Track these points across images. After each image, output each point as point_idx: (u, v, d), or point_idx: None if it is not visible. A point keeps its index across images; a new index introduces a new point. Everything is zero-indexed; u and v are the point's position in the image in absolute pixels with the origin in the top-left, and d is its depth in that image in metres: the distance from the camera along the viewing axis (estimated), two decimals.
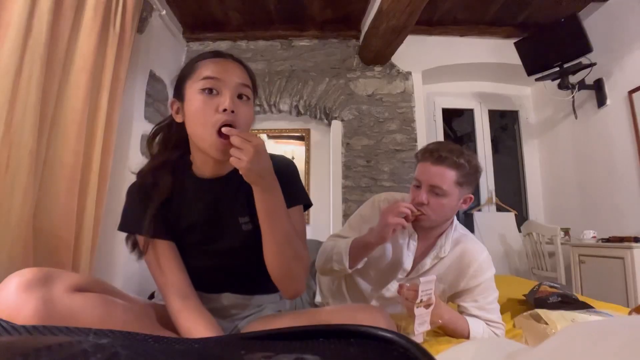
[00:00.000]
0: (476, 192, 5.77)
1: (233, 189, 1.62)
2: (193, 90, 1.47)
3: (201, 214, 1.61)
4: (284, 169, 1.60)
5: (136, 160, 3.97)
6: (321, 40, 5.42)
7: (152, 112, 4.40)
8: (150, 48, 4.36)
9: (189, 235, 1.61)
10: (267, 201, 1.41)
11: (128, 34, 3.59)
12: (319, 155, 5.50)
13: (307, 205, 1.73)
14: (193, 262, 1.61)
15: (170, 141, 1.68)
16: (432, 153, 2.03)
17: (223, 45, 5.44)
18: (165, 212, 1.58)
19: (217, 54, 1.57)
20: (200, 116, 1.44)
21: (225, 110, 1.42)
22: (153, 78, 4.42)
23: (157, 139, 1.70)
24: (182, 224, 1.61)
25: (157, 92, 4.56)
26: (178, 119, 1.57)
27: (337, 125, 5.24)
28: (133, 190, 1.62)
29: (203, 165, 1.61)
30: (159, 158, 1.66)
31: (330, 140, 5.36)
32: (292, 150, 5.44)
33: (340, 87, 5.30)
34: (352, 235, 2.30)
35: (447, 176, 2.00)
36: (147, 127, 4.23)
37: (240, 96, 1.50)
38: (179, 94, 1.56)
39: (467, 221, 5.55)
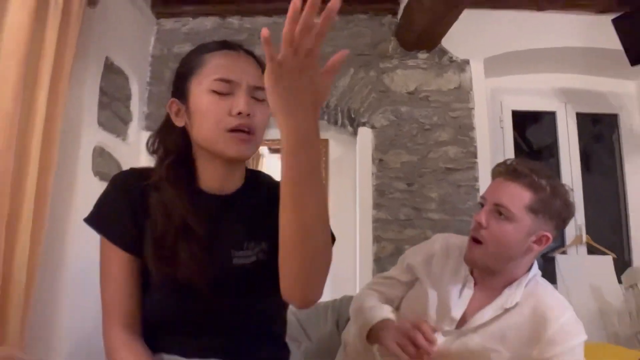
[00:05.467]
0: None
1: (235, 213, 1.80)
2: (201, 89, 1.66)
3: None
4: None
5: (87, 183, 3.93)
6: (344, 17, 5.32)
7: (110, 116, 4.37)
8: (107, 27, 4.29)
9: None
10: (302, 156, 1.36)
11: (75, 7, 3.52)
12: (340, 176, 5.42)
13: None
14: (169, 300, 1.71)
15: (169, 145, 1.81)
16: (508, 167, 2.14)
17: (207, 23, 5.37)
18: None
19: (225, 45, 1.77)
20: (210, 118, 1.63)
21: (240, 113, 1.61)
22: (110, 69, 4.38)
23: (155, 145, 1.84)
24: None
25: (116, 88, 4.54)
26: (178, 122, 1.74)
27: (365, 135, 5.17)
28: (119, 181, 1.81)
29: (209, 174, 1.78)
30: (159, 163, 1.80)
31: (356, 155, 5.28)
32: None
33: (371, 81, 5.23)
34: (394, 277, 2.63)
35: (518, 196, 2.07)
36: (102, 137, 4.23)
37: (254, 96, 1.67)
38: (181, 92, 1.74)
39: (547, 267, 5.34)
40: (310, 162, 1.37)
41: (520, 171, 2.07)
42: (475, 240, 2.16)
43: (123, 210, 1.71)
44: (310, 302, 1.60)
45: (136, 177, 1.77)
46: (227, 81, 1.63)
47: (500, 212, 2.08)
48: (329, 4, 1.16)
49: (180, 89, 1.75)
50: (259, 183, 1.89)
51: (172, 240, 1.64)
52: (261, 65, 1.73)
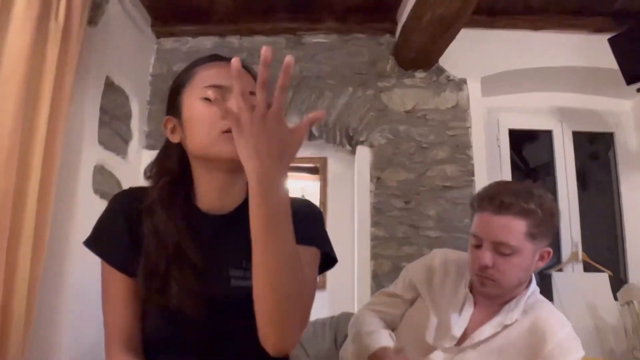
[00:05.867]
0: (556, 246, 5.61)
1: (234, 231, 1.72)
2: (192, 98, 1.65)
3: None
4: (303, 209, 1.74)
5: (87, 201, 3.93)
6: (342, 36, 5.36)
7: (110, 134, 4.36)
8: (107, 46, 4.31)
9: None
10: (266, 201, 1.33)
11: (76, 26, 3.52)
12: (338, 195, 5.40)
13: (330, 260, 1.81)
14: (164, 325, 1.70)
15: (164, 167, 1.80)
16: (492, 200, 2.09)
17: (207, 43, 5.39)
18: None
19: (215, 57, 1.77)
20: (204, 123, 1.60)
21: None
22: (110, 88, 4.38)
23: (152, 171, 1.82)
24: None
25: (117, 107, 4.52)
26: (174, 138, 1.73)
27: (364, 153, 5.17)
28: (118, 202, 1.79)
29: (207, 189, 1.74)
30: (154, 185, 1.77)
31: (354, 173, 5.28)
32: (301, 187, 5.37)
33: (369, 99, 5.24)
34: (398, 294, 2.60)
35: (514, 229, 2.05)
36: (103, 156, 4.22)
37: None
38: (174, 107, 1.73)
39: (544, 284, 5.27)
40: (276, 207, 1.34)
41: (507, 203, 2.04)
42: (486, 279, 2.14)
43: (121, 233, 1.70)
44: (284, 349, 1.54)
45: (134, 197, 1.75)
46: (218, 87, 1.61)
47: (501, 250, 2.06)
48: (285, 60, 1.17)
49: (173, 104, 1.75)
50: None
51: (164, 269, 1.62)
52: (252, 73, 1.76)
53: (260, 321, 1.47)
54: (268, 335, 1.48)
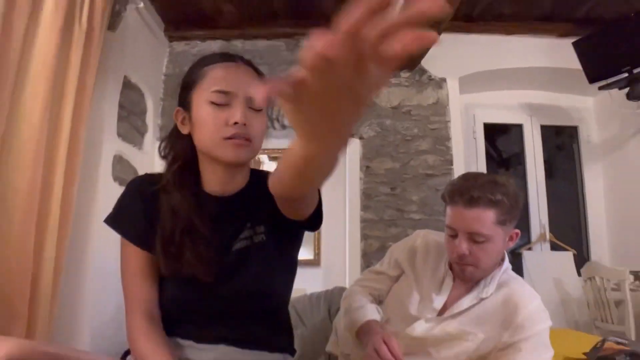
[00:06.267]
0: (526, 227, 5.71)
1: (235, 211, 1.79)
2: (201, 100, 1.64)
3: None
4: None
5: (107, 187, 3.96)
6: None
7: (127, 128, 4.39)
8: (125, 49, 4.33)
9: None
10: (317, 160, 0.98)
11: (97, 31, 3.56)
12: (331, 181, 5.09)
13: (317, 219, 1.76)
14: (178, 292, 1.74)
15: (177, 151, 1.80)
16: (462, 195, 2.06)
17: (214, 46, 5.41)
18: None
19: (224, 57, 1.74)
20: (209, 127, 1.61)
21: (236, 123, 1.59)
22: (128, 86, 4.41)
23: (167, 150, 1.83)
24: None
25: (133, 104, 4.55)
26: (184, 129, 1.72)
27: (354, 144, 5.20)
28: (134, 185, 1.81)
29: (211, 178, 1.77)
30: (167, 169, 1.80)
31: (345, 162, 5.27)
32: None
33: None
34: (384, 272, 2.57)
35: (485, 219, 2.04)
36: (121, 147, 4.24)
37: (251, 107, 1.66)
38: (185, 102, 1.72)
39: (515, 262, 5.27)
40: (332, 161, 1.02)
41: (476, 197, 2.03)
42: (465, 265, 2.16)
43: (138, 212, 1.73)
44: (304, 196, 1.49)
45: (149, 182, 1.78)
46: (225, 92, 1.61)
47: (475, 238, 2.06)
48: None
49: (184, 99, 1.73)
50: (260, 181, 1.72)
51: (178, 239, 1.66)
52: (259, 74, 1.78)
53: (287, 182, 1.28)
54: (290, 194, 1.45)
